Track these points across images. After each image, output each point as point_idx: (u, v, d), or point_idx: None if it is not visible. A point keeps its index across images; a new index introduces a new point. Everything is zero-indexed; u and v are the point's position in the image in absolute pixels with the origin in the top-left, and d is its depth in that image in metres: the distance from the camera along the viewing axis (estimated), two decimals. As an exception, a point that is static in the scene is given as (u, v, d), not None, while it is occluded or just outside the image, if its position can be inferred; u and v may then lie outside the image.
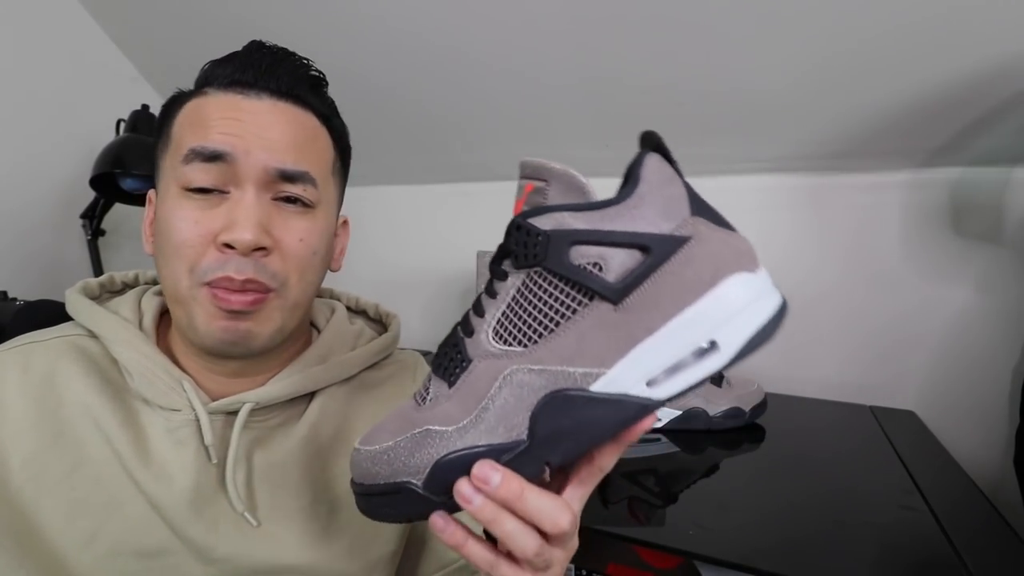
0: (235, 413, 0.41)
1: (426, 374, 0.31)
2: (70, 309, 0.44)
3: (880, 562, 0.47)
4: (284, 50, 0.42)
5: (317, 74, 0.44)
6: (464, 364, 0.29)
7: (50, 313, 0.45)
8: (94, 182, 0.92)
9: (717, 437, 0.74)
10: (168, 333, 0.45)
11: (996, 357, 0.80)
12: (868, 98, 0.75)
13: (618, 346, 0.27)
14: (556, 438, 0.27)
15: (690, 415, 0.75)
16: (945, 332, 0.84)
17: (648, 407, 0.27)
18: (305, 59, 0.43)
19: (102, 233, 1.02)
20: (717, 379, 0.77)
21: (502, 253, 0.29)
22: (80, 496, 0.37)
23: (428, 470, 0.27)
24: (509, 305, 0.28)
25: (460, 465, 0.27)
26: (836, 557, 0.48)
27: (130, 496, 0.38)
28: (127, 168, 0.88)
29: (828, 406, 0.87)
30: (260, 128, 0.38)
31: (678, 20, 0.72)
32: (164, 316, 0.45)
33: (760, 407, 0.77)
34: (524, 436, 0.26)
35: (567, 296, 0.27)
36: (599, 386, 0.26)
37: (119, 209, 1.03)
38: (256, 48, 0.41)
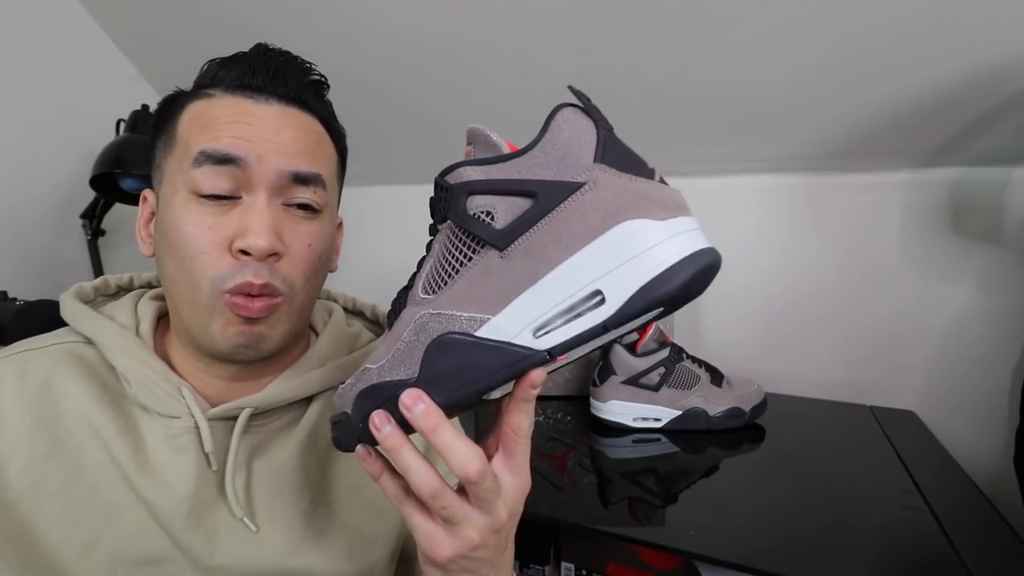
0: (234, 418, 0.41)
1: None
2: (65, 315, 0.43)
3: (880, 562, 0.47)
4: (289, 54, 0.42)
5: (319, 78, 0.44)
6: (398, 311, 0.31)
7: (50, 313, 0.44)
8: (94, 182, 0.92)
9: (717, 437, 0.74)
10: (165, 338, 0.45)
11: (996, 357, 0.80)
12: (868, 98, 0.75)
13: (503, 293, 0.27)
14: (440, 377, 0.28)
15: (690, 415, 0.75)
16: (945, 332, 0.84)
17: (528, 357, 0.26)
18: (308, 63, 0.43)
19: (102, 233, 1.02)
20: (717, 379, 0.77)
21: (433, 211, 0.31)
22: (79, 504, 0.37)
23: (353, 400, 0.30)
24: (435, 257, 0.31)
25: (372, 395, 0.30)
26: (836, 557, 0.48)
27: (129, 504, 0.38)
28: (127, 168, 0.88)
29: (828, 406, 0.87)
30: (271, 133, 0.38)
31: (678, 21, 0.72)
32: (160, 321, 0.45)
33: (760, 407, 0.77)
34: (415, 374, 0.28)
35: (464, 245, 0.29)
36: (483, 332, 0.27)
37: (119, 209, 1.03)
38: (263, 52, 0.41)
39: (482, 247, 0.28)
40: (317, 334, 0.50)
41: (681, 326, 0.96)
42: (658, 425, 0.76)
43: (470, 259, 0.29)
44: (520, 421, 0.29)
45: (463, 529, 0.29)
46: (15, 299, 0.81)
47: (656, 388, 0.75)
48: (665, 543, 0.51)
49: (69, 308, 0.43)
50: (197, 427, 0.40)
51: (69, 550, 0.36)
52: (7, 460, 0.37)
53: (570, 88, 0.31)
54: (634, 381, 0.75)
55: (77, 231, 1.01)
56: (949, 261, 0.83)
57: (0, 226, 0.94)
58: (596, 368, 0.79)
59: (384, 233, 1.20)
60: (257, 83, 0.40)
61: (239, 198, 0.38)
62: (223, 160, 0.37)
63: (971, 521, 0.54)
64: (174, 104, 0.41)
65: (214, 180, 0.37)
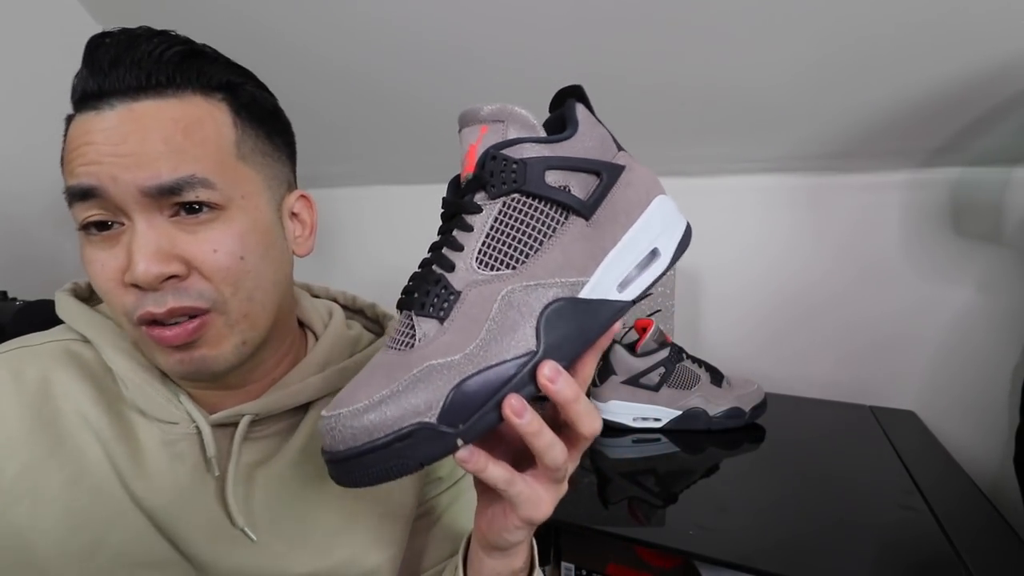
0: (232, 425, 0.40)
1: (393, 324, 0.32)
2: (61, 312, 0.42)
3: (880, 562, 0.47)
4: (130, 34, 0.36)
5: (183, 47, 0.38)
6: (452, 298, 0.29)
7: (50, 313, 0.44)
8: (94, 182, 0.92)
9: (717, 437, 0.74)
10: None
11: (996, 357, 0.80)
12: (868, 98, 0.75)
13: (594, 255, 0.30)
14: (560, 343, 0.28)
15: (690, 415, 0.75)
16: (945, 332, 0.84)
17: (624, 307, 0.31)
18: (167, 33, 0.37)
19: (102, 233, 1.02)
20: (717, 379, 0.77)
21: (474, 186, 0.31)
22: (79, 508, 0.36)
23: (444, 402, 0.26)
24: (488, 234, 0.30)
25: (484, 384, 0.27)
26: (836, 557, 0.48)
27: (129, 508, 0.37)
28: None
29: (828, 406, 0.87)
30: (116, 145, 0.33)
31: (678, 20, 0.72)
32: None
33: (760, 407, 0.77)
34: (534, 346, 0.28)
35: (547, 216, 0.30)
36: (585, 292, 0.30)
37: (119, 209, 1.03)
38: (95, 47, 0.36)
39: (567, 217, 0.30)
40: (316, 336, 0.48)
41: (681, 326, 0.96)
42: (658, 425, 0.76)
43: (555, 229, 0.30)
44: (592, 370, 0.32)
45: (564, 482, 0.32)
46: (15, 299, 0.81)
47: (656, 388, 0.75)
48: (665, 543, 0.51)
49: (65, 305, 0.42)
50: (197, 433, 0.39)
51: (70, 553, 0.35)
52: (5, 461, 0.36)
53: (571, 88, 0.34)
54: (634, 381, 0.75)
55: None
56: (949, 261, 0.83)
57: (0, 226, 0.94)
58: (596, 368, 0.79)
59: (384, 233, 1.20)
60: (92, 87, 0.35)
61: (122, 224, 0.35)
62: (82, 195, 0.34)
63: (971, 521, 0.54)
64: (64, 138, 0.37)
65: (86, 214, 0.34)
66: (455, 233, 0.31)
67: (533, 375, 0.27)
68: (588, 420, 0.30)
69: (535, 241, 0.30)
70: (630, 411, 0.76)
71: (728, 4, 0.68)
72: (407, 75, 0.92)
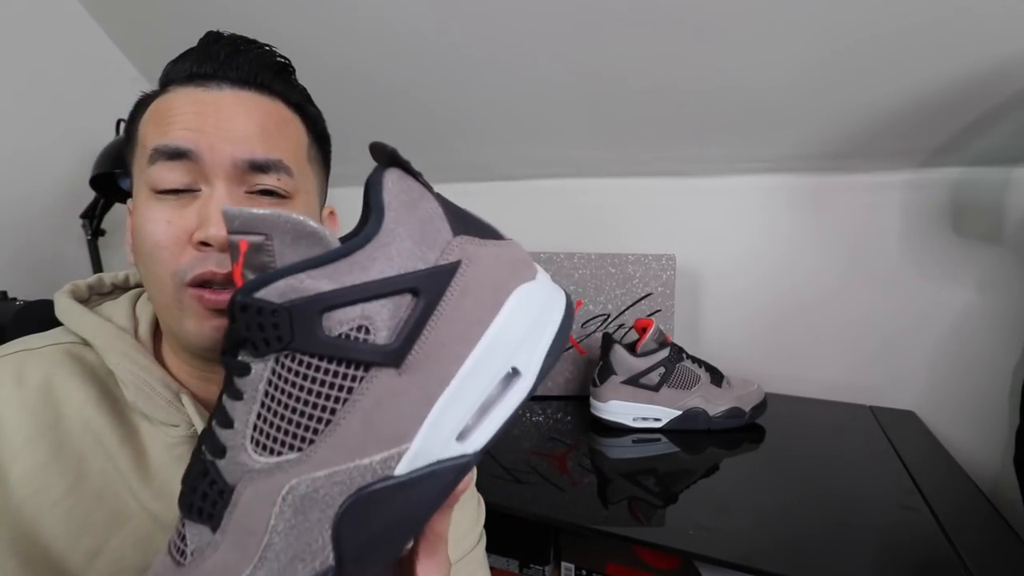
0: None
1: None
2: (60, 314, 0.42)
3: (880, 562, 0.47)
4: (243, 38, 0.40)
5: (282, 60, 0.42)
6: (224, 496, 0.22)
7: (50, 313, 0.43)
8: (94, 182, 0.92)
9: (717, 437, 0.74)
10: (162, 342, 0.43)
11: (996, 357, 0.80)
12: (868, 98, 0.75)
13: (415, 412, 0.22)
14: (371, 546, 0.22)
15: (690, 415, 0.75)
16: (945, 332, 0.84)
17: (467, 464, 0.23)
18: (267, 46, 0.41)
19: (102, 233, 1.02)
20: (717, 379, 0.77)
21: (233, 344, 0.23)
22: (82, 512, 0.36)
23: None
24: (263, 404, 0.22)
25: None
26: (836, 557, 0.48)
27: (133, 513, 0.37)
28: (127, 168, 0.88)
29: (828, 406, 0.87)
30: (222, 119, 0.36)
31: (679, 20, 0.72)
32: (159, 322, 0.44)
33: (760, 407, 0.77)
34: (330, 561, 0.21)
35: (335, 376, 0.22)
36: (404, 466, 0.22)
37: (119, 209, 1.03)
38: (213, 39, 0.39)
39: (366, 371, 0.22)
40: None
41: (681, 326, 0.96)
42: (658, 425, 0.76)
43: (350, 391, 0.22)
44: (447, 525, 0.27)
45: None
46: (15, 299, 0.81)
47: (656, 388, 0.75)
48: (665, 543, 0.51)
49: (64, 308, 0.42)
50: (197, 436, 0.39)
51: (74, 558, 0.35)
52: (8, 466, 0.36)
53: (375, 146, 0.26)
54: (634, 381, 0.75)
55: (77, 231, 1.01)
56: (949, 261, 0.83)
57: (0, 226, 0.94)
58: (596, 368, 0.79)
59: (384, 233, 1.20)
60: (206, 70, 0.38)
61: (198, 191, 0.37)
62: (175, 155, 0.36)
63: (971, 521, 0.54)
64: (138, 109, 0.40)
65: (169, 175, 0.36)
66: (224, 401, 0.23)
67: None
68: None
69: (323, 412, 0.22)
70: (630, 411, 0.76)
71: (729, 4, 0.68)
72: (406, 75, 0.92)
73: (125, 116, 1.00)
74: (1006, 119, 0.71)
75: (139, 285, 0.48)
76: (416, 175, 0.26)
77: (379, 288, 0.22)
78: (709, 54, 0.75)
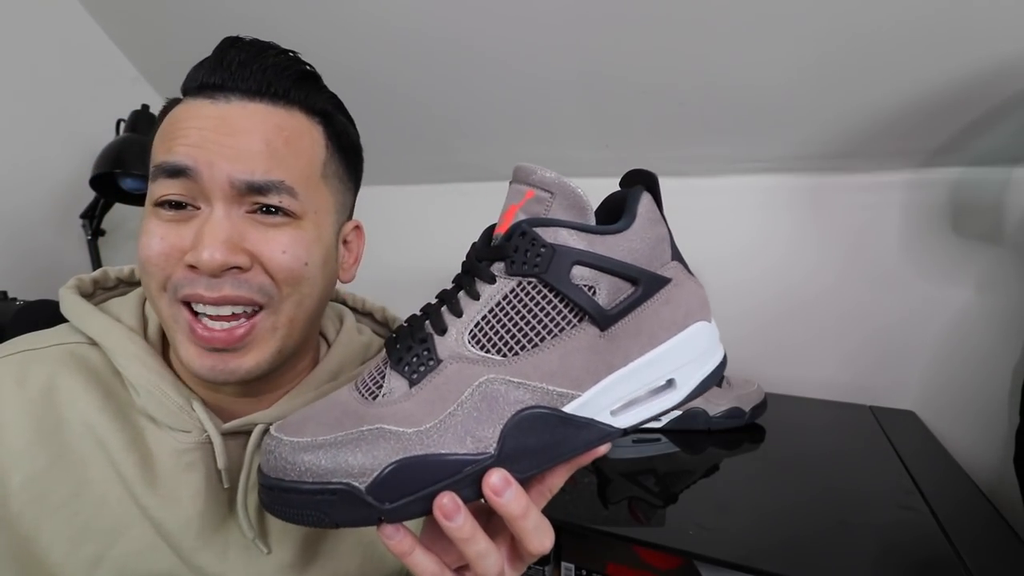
0: (245, 434, 0.39)
1: (375, 363, 0.29)
2: (67, 312, 0.41)
3: (880, 562, 0.47)
4: (261, 44, 0.38)
5: (305, 67, 0.40)
6: (432, 364, 0.27)
7: (50, 313, 0.43)
8: (94, 182, 0.92)
9: (717, 437, 0.74)
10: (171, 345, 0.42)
11: (996, 357, 0.80)
12: (868, 98, 0.75)
13: (596, 371, 0.27)
14: (521, 455, 0.26)
15: (690, 415, 0.75)
16: (945, 332, 0.84)
17: (610, 434, 0.28)
18: (290, 52, 0.39)
19: (102, 233, 1.02)
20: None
21: (496, 255, 0.28)
22: (83, 520, 0.35)
23: (379, 473, 0.24)
24: (492, 311, 0.27)
25: (424, 471, 0.25)
26: (836, 557, 0.48)
27: (136, 520, 0.36)
28: (127, 168, 0.88)
29: (828, 406, 0.87)
30: (224, 135, 0.35)
31: (678, 20, 0.72)
32: None
33: (760, 407, 0.77)
34: (492, 449, 0.25)
35: (558, 313, 0.27)
36: (571, 408, 0.27)
37: (119, 209, 1.03)
38: (228, 46, 0.37)
39: (580, 320, 0.27)
40: (328, 343, 0.48)
41: (681, 326, 0.96)
42: (658, 425, 0.76)
43: (563, 329, 0.27)
44: (561, 483, 0.29)
45: None
46: (15, 299, 0.81)
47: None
48: (665, 543, 0.51)
49: (71, 305, 0.41)
50: (209, 442, 0.38)
51: (74, 566, 0.35)
52: (9, 471, 0.35)
53: (645, 173, 0.31)
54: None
55: (77, 231, 1.01)
56: (949, 261, 0.83)
57: (0, 226, 0.94)
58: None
59: (384, 233, 1.20)
60: (216, 80, 0.36)
61: (198, 208, 0.35)
62: (174, 172, 0.34)
63: (971, 521, 0.54)
64: (161, 116, 0.39)
65: (168, 190, 0.35)
66: (460, 296, 0.29)
67: (479, 479, 0.25)
68: (536, 538, 0.27)
69: (536, 335, 0.27)
70: (630, 411, 0.76)
71: (728, 5, 0.68)
72: (406, 75, 0.92)
73: (125, 116, 1.01)
74: (1006, 119, 0.71)
75: None
76: (660, 206, 0.31)
77: (616, 267, 0.28)
78: (709, 54, 0.75)
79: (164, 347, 0.41)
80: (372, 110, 1.01)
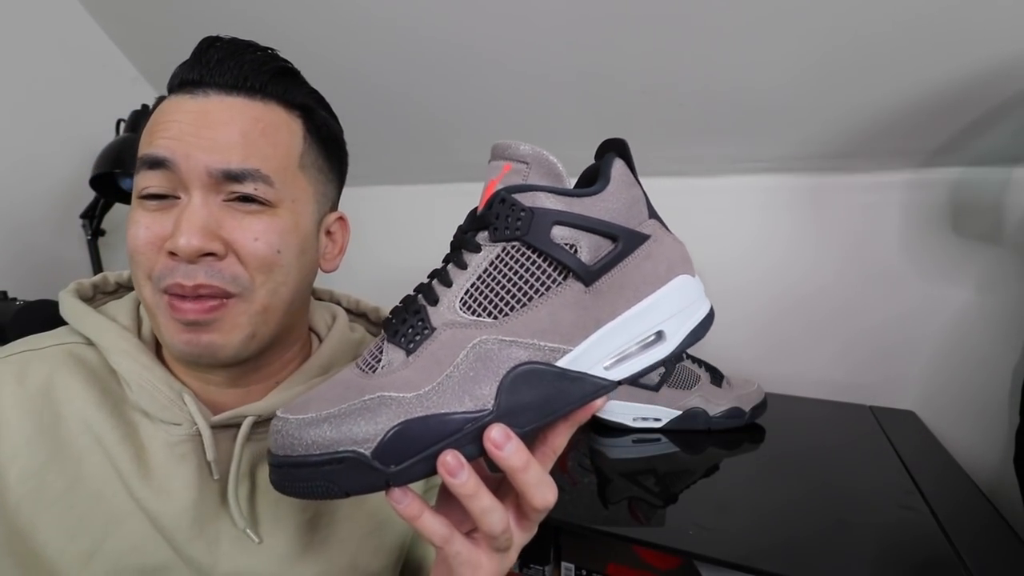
0: (235, 426, 0.40)
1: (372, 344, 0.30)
2: (65, 314, 0.42)
3: (880, 562, 0.47)
4: (241, 43, 0.40)
5: (283, 63, 0.41)
6: (427, 332, 0.28)
7: (50, 313, 0.44)
8: (94, 182, 0.92)
9: (717, 437, 0.74)
10: None
11: (996, 357, 0.80)
12: (868, 98, 0.75)
13: (584, 326, 0.28)
14: (520, 409, 0.27)
15: (690, 415, 0.75)
16: (945, 332, 0.84)
17: (605, 387, 0.29)
18: (268, 49, 0.41)
19: (102, 233, 1.02)
20: (717, 379, 0.77)
21: (479, 224, 0.30)
22: (79, 513, 0.36)
23: (383, 437, 0.25)
24: (480, 277, 0.29)
25: (426, 431, 0.26)
26: (836, 557, 0.48)
27: (130, 513, 0.37)
28: (127, 168, 0.88)
29: (828, 406, 0.87)
30: (200, 127, 0.36)
31: (678, 20, 0.72)
32: None
33: (760, 407, 0.77)
34: (490, 406, 0.26)
35: (543, 272, 0.28)
36: (564, 362, 0.28)
37: (119, 209, 1.03)
38: (208, 45, 0.39)
39: (565, 278, 0.29)
40: (320, 339, 0.49)
41: (681, 326, 0.96)
42: (658, 425, 0.76)
43: (549, 288, 0.28)
44: (564, 442, 0.30)
45: (510, 553, 0.30)
46: (15, 299, 0.81)
47: (656, 388, 0.75)
48: (665, 543, 0.51)
49: (69, 307, 0.42)
50: (199, 435, 0.39)
51: (69, 559, 0.35)
52: (6, 465, 0.36)
53: (613, 141, 0.32)
54: (634, 381, 0.75)
55: (77, 231, 1.01)
56: (949, 261, 0.83)
57: (0, 226, 0.94)
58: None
59: (383, 233, 1.20)
60: (194, 76, 0.38)
61: (178, 198, 0.37)
62: (154, 163, 0.36)
63: (971, 521, 0.54)
64: (148, 114, 0.41)
65: (149, 182, 0.37)
66: (449, 268, 0.30)
67: (480, 435, 0.26)
68: (539, 492, 0.28)
69: (524, 295, 0.28)
70: (630, 411, 0.76)
71: (728, 5, 0.68)
72: (406, 75, 0.92)
73: (125, 116, 1.01)
74: (1006, 119, 0.71)
75: None
76: (633, 170, 0.32)
77: (595, 225, 0.29)
78: (709, 54, 0.75)
79: (158, 346, 0.42)
80: (372, 110, 1.02)
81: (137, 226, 0.37)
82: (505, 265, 0.29)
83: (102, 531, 0.36)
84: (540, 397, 0.27)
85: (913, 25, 0.65)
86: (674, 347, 0.30)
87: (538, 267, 0.28)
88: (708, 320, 0.32)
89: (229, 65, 0.38)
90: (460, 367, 0.27)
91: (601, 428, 0.77)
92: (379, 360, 0.28)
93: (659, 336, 0.30)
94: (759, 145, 0.87)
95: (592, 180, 0.32)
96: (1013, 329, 0.79)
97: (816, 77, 0.74)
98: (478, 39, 0.83)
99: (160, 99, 0.40)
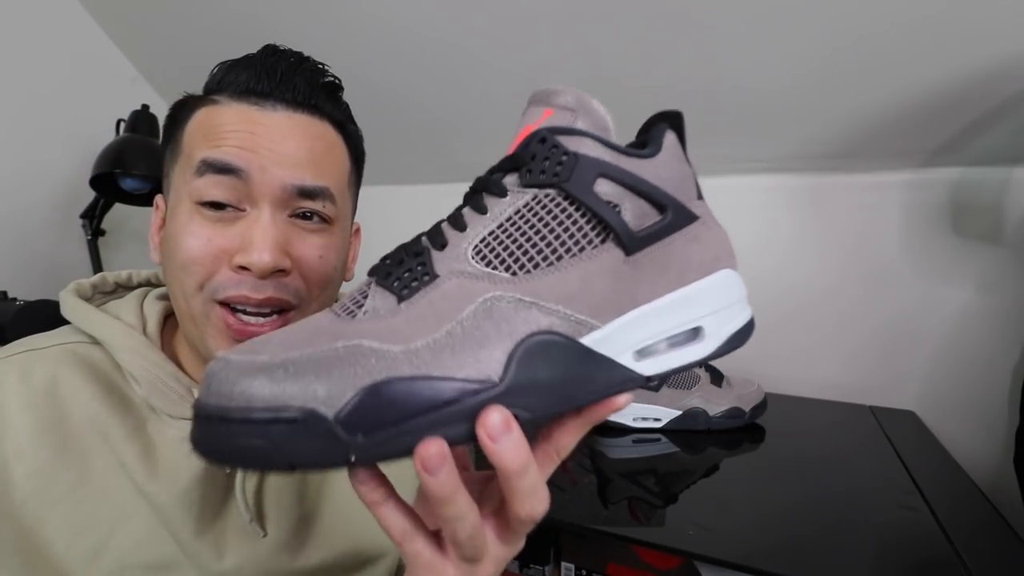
0: None
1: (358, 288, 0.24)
2: (67, 313, 0.42)
3: (880, 562, 0.47)
4: (300, 55, 0.41)
5: (333, 80, 0.42)
6: (426, 279, 0.23)
7: (50, 313, 0.44)
8: (94, 182, 0.92)
9: (717, 437, 0.74)
10: (172, 338, 0.44)
11: (996, 357, 0.80)
12: (868, 98, 0.75)
13: (619, 301, 0.24)
14: (533, 388, 0.21)
15: (690, 415, 0.75)
16: (945, 332, 0.84)
17: (634, 380, 0.23)
18: (320, 64, 0.41)
19: (102, 233, 1.02)
20: (717, 379, 0.77)
21: (509, 165, 0.25)
22: (85, 510, 0.36)
23: (355, 397, 0.19)
24: (502, 225, 0.24)
25: (410, 397, 0.19)
26: (836, 557, 0.48)
27: (137, 509, 0.37)
28: (127, 168, 0.88)
29: (828, 406, 0.87)
30: (275, 143, 0.37)
31: (678, 20, 0.72)
32: (167, 320, 0.44)
33: (760, 407, 0.77)
34: (496, 377, 0.20)
35: (579, 229, 0.24)
36: (590, 340, 0.23)
37: (119, 209, 1.03)
38: (271, 54, 0.39)
39: (604, 240, 0.24)
40: None
41: (681, 326, 0.96)
42: (658, 425, 0.76)
43: (583, 249, 0.23)
44: (573, 443, 0.25)
45: (484, 565, 0.24)
46: (15, 299, 0.81)
47: (656, 388, 0.75)
48: (665, 543, 0.51)
49: (71, 307, 0.42)
50: None
51: (76, 556, 0.35)
52: (12, 464, 0.36)
53: (673, 114, 0.28)
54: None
55: (77, 231, 1.01)
56: (949, 261, 0.83)
57: (0, 226, 0.94)
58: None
59: (384, 233, 1.20)
60: (263, 88, 0.38)
61: (243, 210, 0.37)
62: (224, 170, 0.36)
63: (971, 521, 0.54)
64: (182, 111, 0.40)
65: (215, 190, 0.36)
66: (464, 211, 0.25)
67: (476, 415, 0.20)
68: (527, 502, 0.22)
69: (553, 253, 0.23)
70: (630, 411, 0.76)
71: (728, 5, 0.68)
72: (407, 76, 0.92)
73: (125, 116, 1.01)
74: (1006, 119, 0.71)
75: (142, 283, 0.49)
76: (685, 146, 0.28)
77: (645, 188, 0.25)
78: (709, 54, 0.75)
79: (163, 342, 0.43)
80: (373, 111, 1.01)
81: (196, 238, 0.36)
82: (535, 215, 0.24)
83: (108, 527, 0.36)
84: (559, 378, 0.22)
85: (913, 25, 0.65)
86: (712, 349, 0.25)
87: (574, 222, 0.24)
88: (748, 328, 0.27)
89: (296, 82, 0.39)
90: (465, 324, 0.21)
91: (601, 428, 0.77)
92: (361, 305, 0.22)
93: (696, 333, 0.25)
94: (759, 145, 0.87)
95: (636, 145, 0.28)
96: (1013, 329, 0.79)
97: (816, 77, 0.74)
98: (478, 39, 0.83)
99: (197, 98, 0.39)
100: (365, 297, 0.23)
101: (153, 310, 0.43)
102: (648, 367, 0.24)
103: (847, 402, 0.88)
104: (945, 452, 0.70)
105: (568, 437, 0.25)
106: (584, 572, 0.63)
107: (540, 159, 0.24)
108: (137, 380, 0.39)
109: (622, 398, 0.23)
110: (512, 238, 0.24)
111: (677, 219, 0.25)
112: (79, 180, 0.94)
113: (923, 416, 0.83)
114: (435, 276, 0.23)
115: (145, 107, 0.95)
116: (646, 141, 0.27)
